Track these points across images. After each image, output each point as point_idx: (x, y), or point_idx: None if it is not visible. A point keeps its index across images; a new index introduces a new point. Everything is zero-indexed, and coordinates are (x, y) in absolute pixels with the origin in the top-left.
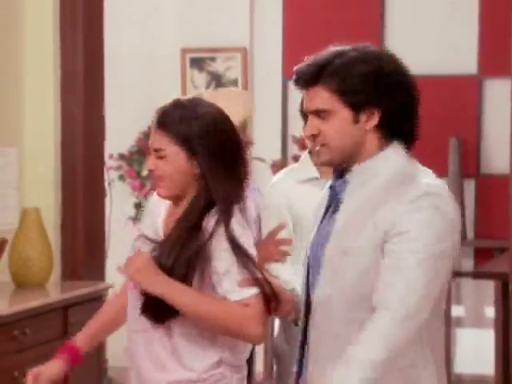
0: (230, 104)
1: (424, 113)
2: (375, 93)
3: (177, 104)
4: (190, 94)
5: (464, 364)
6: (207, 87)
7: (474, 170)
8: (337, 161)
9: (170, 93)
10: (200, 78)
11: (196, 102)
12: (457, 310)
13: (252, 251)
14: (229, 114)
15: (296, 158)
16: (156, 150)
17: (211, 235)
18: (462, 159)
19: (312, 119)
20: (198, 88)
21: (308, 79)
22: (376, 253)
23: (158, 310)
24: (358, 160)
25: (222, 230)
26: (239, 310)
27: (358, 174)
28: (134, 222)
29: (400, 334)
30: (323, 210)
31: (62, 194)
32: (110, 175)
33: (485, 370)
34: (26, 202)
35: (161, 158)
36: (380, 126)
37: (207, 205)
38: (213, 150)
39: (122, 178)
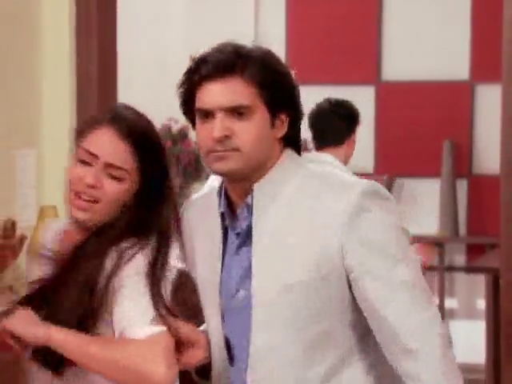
0: None
1: (419, 117)
2: (291, 96)
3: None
4: None
5: (457, 353)
6: None
7: (466, 171)
8: (247, 170)
9: (178, 99)
10: None
11: None
12: (450, 303)
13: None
14: None
15: None
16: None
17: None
18: (455, 160)
19: (224, 118)
20: None
21: (224, 66)
22: (332, 278)
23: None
24: (260, 175)
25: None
26: (138, 345)
27: (260, 191)
28: None
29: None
30: (218, 248)
31: None
32: None
33: (476, 359)
34: (44, 200)
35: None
36: (284, 135)
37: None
38: None
39: None
